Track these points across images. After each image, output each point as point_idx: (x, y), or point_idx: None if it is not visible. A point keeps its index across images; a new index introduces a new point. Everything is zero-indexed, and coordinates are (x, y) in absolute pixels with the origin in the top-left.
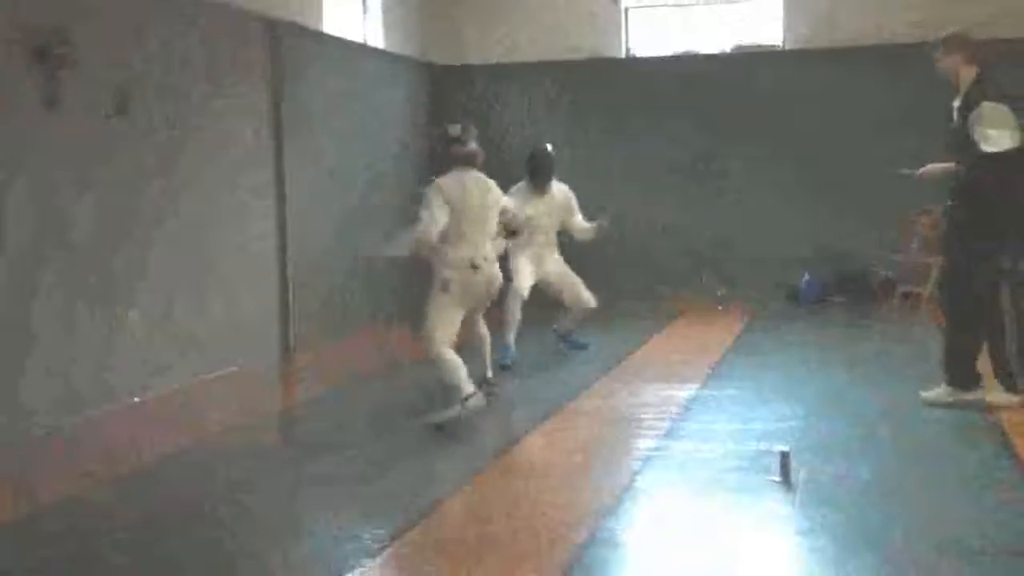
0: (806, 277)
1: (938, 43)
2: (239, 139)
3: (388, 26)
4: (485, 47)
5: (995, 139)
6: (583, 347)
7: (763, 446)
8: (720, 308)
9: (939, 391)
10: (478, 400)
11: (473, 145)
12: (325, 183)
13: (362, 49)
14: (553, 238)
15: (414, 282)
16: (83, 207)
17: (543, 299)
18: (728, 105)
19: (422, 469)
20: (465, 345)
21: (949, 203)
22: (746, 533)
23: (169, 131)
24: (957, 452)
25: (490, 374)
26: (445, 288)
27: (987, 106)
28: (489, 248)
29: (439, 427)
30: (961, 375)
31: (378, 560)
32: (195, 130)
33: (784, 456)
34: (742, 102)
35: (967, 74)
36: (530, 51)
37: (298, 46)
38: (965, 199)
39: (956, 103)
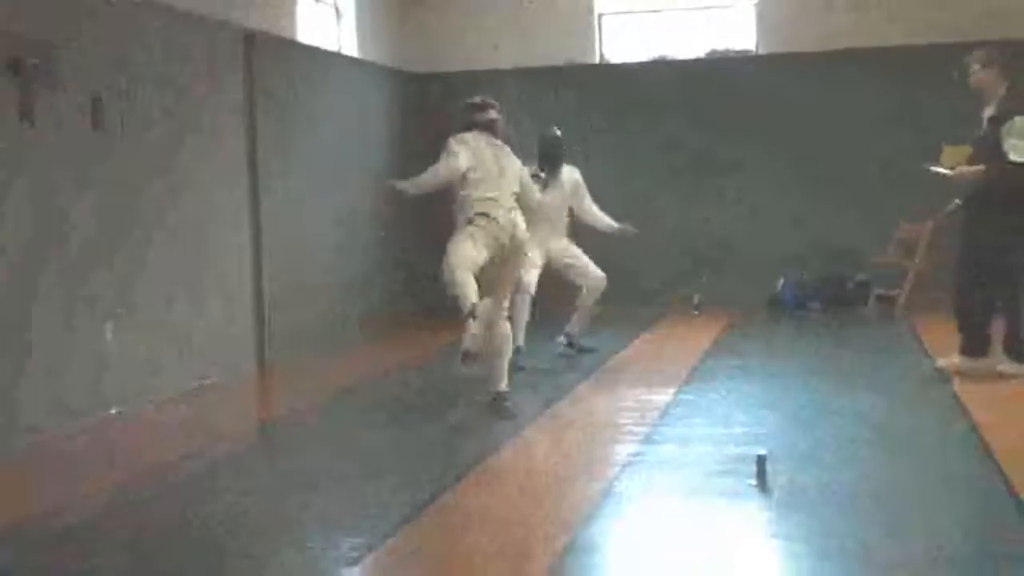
0: (782, 281)
1: (973, 57)
2: (213, 150)
3: (362, 34)
4: (459, 55)
5: (1022, 150)
6: (592, 350)
7: (742, 450)
8: (696, 313)
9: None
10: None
11: (494, 114)
12: (301, 191)
13: (336, 57)
14: (561, 224)
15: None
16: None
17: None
18: (704, 108)
19: (401, 476)
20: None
21: (973, 201)
22: (725, 538)
23: (141, 144)
24: (936, 456)
25: (504, 387)
26: (471, 221)
27: (1020, 120)
28: (513, 203)
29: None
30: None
31: (356, 569)
32: (167, 142)
33: (761, 459)
34: (717, 104)
35: (1000, 87)
36: (504, 58)
37: (273, 56)
38: (994, 200)
39: (988, 113)
